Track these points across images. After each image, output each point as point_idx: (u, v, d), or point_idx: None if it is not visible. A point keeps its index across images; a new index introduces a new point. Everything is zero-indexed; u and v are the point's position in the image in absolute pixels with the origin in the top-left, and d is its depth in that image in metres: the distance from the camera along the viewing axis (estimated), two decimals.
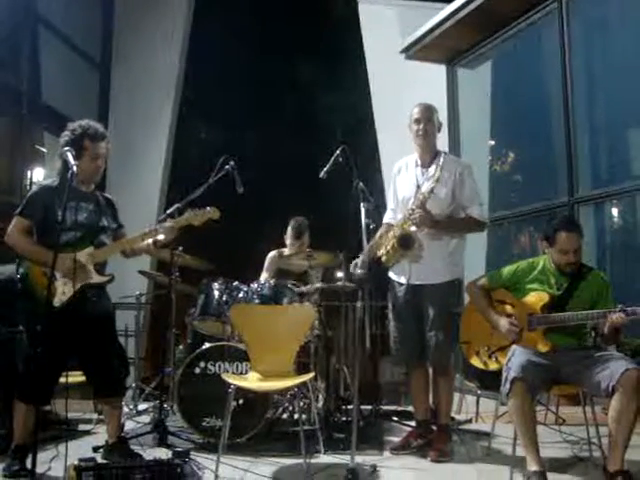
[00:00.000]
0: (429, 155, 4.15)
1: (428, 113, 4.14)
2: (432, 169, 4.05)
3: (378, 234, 4.23)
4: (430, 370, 4.24)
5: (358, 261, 4.18)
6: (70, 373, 3.82)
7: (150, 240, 3.90)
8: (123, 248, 3.88)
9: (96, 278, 3.70)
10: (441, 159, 3.96)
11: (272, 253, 5.61)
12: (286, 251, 5.53)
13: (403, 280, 4.12)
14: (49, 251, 3.44)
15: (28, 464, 3.20)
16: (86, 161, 3.68)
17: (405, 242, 3.91)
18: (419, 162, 4.18)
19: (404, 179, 4.23)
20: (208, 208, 3.98)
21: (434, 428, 4.21)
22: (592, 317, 3.52)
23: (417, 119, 4.13)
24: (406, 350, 4.16)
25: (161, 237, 3.90)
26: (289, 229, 5.48)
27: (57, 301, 3.54)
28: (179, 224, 3.95)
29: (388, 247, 4.02)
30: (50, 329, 3.29)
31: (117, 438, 3.84)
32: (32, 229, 3.67)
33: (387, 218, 4.34)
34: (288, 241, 5.48)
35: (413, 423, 4.42)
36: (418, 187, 4.07)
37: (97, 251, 3.71)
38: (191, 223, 3.95)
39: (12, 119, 6.62)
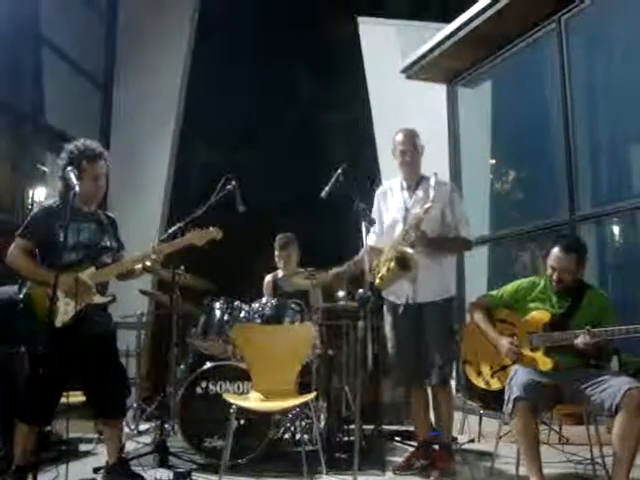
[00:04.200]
0: (415, 178, 4.20)
1: (412, 140, 4.18)
2: (420, 192, 4.12)
3: (365, 257, 4.24)
4: (429, 389, 4.22)
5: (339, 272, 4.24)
6: (70, 393, 3.82)
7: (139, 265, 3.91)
8: (125, 269, 3.85)
9: (98, 298, 3.69)
10: (432, 181, 3.96)
11: (267, 278, 5.66)
12: (280, 272, 5.57)
13: (401, 300, 4.13)
14: (50, 272, 3.46)
15: None
16: (86, 182, 3.65)
17: (404, 263, 3.90)
18: (405, 185, 4.23)
19: (390, 203, 4.27)
20: (211, 228, 3.98)
21: (436, 448, 4.18)
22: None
23: (403, 150, 4.16)
24: (406, 372, 4.15)
25: (139, 266, 3.90)
26: (275, 243, 5.55)
27: (59, 321, 3.54)
28: (179, 245, 3.96)
29: (383, 271, 4.01)
30: (52, 349, 3.26)
31: (117, 459, 3.81)
32: (33, 250, 3.67)
33: (371, 241, 4.21)
34: (276, 253, 5.53)
35: (415, 443, 4.39)
36: (407, 210, 4.12)
37: (99, 271, 3.70)
38: (193, 243, 3.95)
39: (15, 139, 6.64)
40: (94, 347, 3.67)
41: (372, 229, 4.27)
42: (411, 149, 4.16)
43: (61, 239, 3.57)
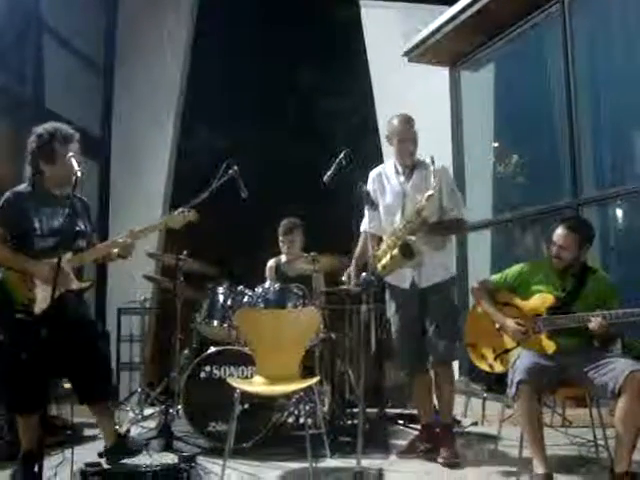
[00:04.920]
0: (411, 164, 4.16)
1: (410, 127, 4.14)
2: (416, 177, 4.09)
3: (359, 246, 4.24)
4: (432, 373, 4.23)
5: (350, 272, 4.23)
6: None
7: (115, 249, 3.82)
8: (101, 254, 3.79)
9: (75, 284, 3.64)
10: (432, 167, 3.90)
11: (270, 262, 5.65)
12: (283, 257, 5.57)
13: (405, 285, 4.13)
14: (25, 257, 3.50)
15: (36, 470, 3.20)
16: (59, 165, 3.57)
17: (408, 251, 3.89)
18: (400, 170, 4.19)
19: (386, 187, 4.22)
20: (186, 211, 3.96)
21: (437, 430, 4.19)
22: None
23: (402, 138, 4.11)
24: (410, 356, 4.16)
25: (115, 250, 3.81)
26: (279, 228, 5.55)
27: (38, 308, 3.48)
28: (154, 229, 3.94)
29: (386, 259, 3.99)
30: (32, 337, 3.21)
31: (114, 440, 3.82)
32: (6, 237, 3.58)
33: (367, 227, 4.23)
34: (280, 238, 5.52)
35: (419, 426, 4.41)
36: (404, 195, 4.09)
37: (75, 257, 3.64)
38: (170, 226, 3.94)
39: (15, 124, 6.63)
40: (73, 332, 3.61)
41: (368, 214, 4.26)
42: (410, 136, 4.11)
43: (36, 225, 3.56)
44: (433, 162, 3.91)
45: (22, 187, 3.74)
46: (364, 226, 4.21)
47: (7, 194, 3.69)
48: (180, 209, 3.98)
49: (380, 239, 4.12)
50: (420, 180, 4.06)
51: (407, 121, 4.15)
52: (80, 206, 3.86)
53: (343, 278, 4.37)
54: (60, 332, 3.46)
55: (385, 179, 4.25)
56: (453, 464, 3.89)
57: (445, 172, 4.16)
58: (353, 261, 4.27)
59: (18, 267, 3.53)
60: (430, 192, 3.80)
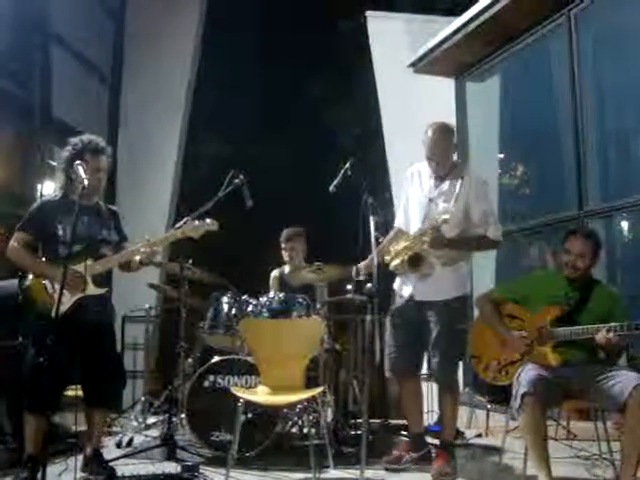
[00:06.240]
0: (443, 171, 4.06)
1: (446, 141, 4.03)
2: (446, 185, 4.01)
3: (387, 238, 4.22)
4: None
5: (360, 266, 4.19)
6: (79, 386, 3.84)
7: (137, 257, 3.90)
8: (119, 261, 3.87)
9: (92, 290, 3.71)
10: (458, 181, 3.88)
11: (274, 273, 5.64)
12: (287, 268, 5.56)
13: (405, 293, 4.09)
14: (48, 264, 3.62)
15: (39, 476, 3.20)
16: (88, 174, 3.57)
17: (414, 262, 3.87)
18: (433, 174, 4.11)
19: (417, 187, 4.17)
20: (208, 220, 3.98)
21: (428, 441, 4.17)
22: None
23: (431, 154, 4.01)
24: (402, 362, 4.10)
25: (137, 258, 3.89)
26: (281, 235, 5.55)
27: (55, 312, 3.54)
28: (173, 238, 3.98)
29: (397, 261, 3.98)
30: (52, 340, 3.23)
31: (94, 451, 3.82)
32: (33, 243, 3.73)
33: (398, 222, 4.30)
34: (282, 245, 5.52)
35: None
36: (430, 201, 4.02)
37: (95, 263, 3.73)
38: (189, 236, 3.95)
39: (23, 133, 6.66)
40: (91, 336, 3.71)
41: (400, 209, 4.30)
42: (439, 151, 4.00)
43: (60, 232, 3.69)
44: (462, 177, 3.91)
45: (53, 195, 3.92)
46: (396, 222, 4.28)
47: (37, 202, 3.90)
48: (196, 219, 4.02)
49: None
50: (449, 189, 3.98)
51: (441, 132, 4.03)
52: (108, 215, 3.97)
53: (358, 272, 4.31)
54: (78, 335, 3.63)
55: (418, 178, 4.18)
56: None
57: (479, 185, 4.04)
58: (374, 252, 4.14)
59: (37, 272, 3.66)
60: (446, 216, 3.73)
